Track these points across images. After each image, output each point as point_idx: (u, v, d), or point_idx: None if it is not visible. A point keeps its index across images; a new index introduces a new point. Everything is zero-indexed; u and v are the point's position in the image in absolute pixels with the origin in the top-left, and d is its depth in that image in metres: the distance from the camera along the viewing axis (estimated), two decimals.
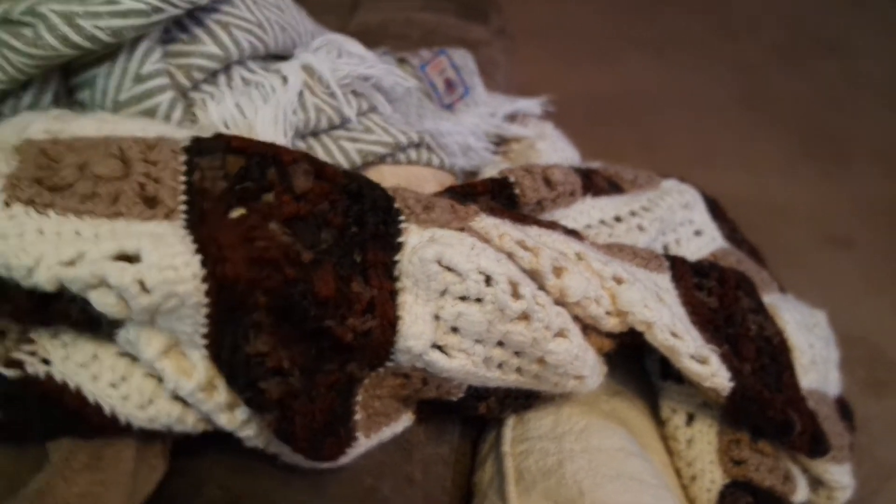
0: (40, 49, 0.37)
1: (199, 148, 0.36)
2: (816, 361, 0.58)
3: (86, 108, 0.42)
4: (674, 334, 0.44)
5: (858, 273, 1.21)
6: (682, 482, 0.51)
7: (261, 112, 0.42)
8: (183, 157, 0.35)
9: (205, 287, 0.31)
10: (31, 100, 0.40)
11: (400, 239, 0.38)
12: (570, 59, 1.74)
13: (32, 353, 0.33)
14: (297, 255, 0.34)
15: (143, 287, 0.30)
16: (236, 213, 0.34)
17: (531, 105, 0.78)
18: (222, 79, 0.44)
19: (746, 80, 1.76)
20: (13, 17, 0.37)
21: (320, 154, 0.46)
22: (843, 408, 0.62)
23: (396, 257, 0.38)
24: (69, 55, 0.38)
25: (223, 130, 0.42)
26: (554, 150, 0.72)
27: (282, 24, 0.48)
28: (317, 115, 0.45)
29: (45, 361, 0.34)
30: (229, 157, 0.36)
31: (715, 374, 0.45)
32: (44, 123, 0.35)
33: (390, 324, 0.37)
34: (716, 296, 0.52)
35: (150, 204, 0.34)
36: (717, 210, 0.70)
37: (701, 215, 0.66)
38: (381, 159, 0.49)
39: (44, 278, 0.29)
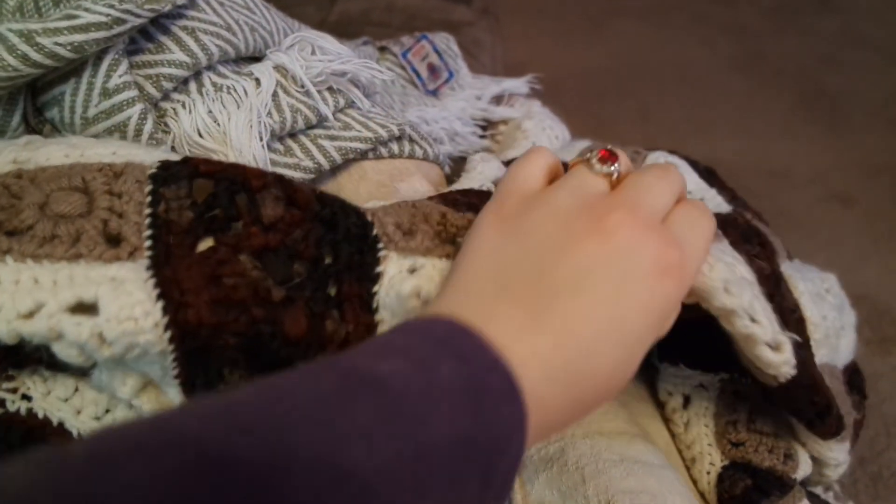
0: (1, 70, 0.35)
1: (165, 175, 0.34)
2: (829, 335, 0.54)
3: (55, 127, 0.41)
4: (753, 319, 0.38)
5: (861, 232, 1.19)
6: (685, 464, 0.50)
7: (234, 118, 0.41)
8: (149, 187, 0.34)
9: (168, 335, 0.30)
10: None
11: (378, 269, 0.35)
12: (561, 34, 1.72)
13: (13, 390, 0.33)
14: (266, 293, 0.32)
15: (103, 340, 0.29)
16: (204, 245, 0.33)
17: (518, 85, 0.76)
18: (193, 86, 0.43)
19: (741, 43, 1.73)
20: None
21: (299, 155, 0.45)
22: (853, 376, 0.59)
23: (375, 289, 0.35)
24: (32, 74, 0.37)
25: (196, 140, 0.41)
26: (541, 128, 0.71)
27: (251, 24, 0.47)
28: (293, 115, 0.44)
29: (26, 397, 0.33)
30: (197, 183, 0.34)
31: (786, 362, 0.39)
32: (12, 153, 0.34)
33: None
34: (765, 259, 0.46)
35: (114, 242, 0.32)
36: (714, 178, 0.68)
37: (693, 184, 0.65)
38: (362, 155, 0.48)
39: (4, 332, 0.29)
